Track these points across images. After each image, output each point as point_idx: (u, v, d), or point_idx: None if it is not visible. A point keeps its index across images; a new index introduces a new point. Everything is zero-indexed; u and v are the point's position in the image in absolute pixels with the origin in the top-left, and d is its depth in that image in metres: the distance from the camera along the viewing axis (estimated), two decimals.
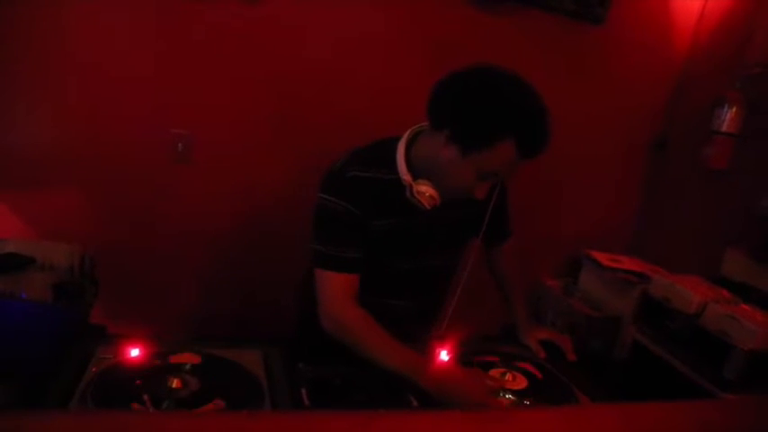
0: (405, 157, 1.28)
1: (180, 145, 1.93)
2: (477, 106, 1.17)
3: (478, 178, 1.22)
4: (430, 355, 1.26)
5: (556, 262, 2.56)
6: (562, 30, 2.21)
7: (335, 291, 1.27)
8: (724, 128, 2.05)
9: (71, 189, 1.88)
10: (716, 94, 2.10)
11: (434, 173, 1.25)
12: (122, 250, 1.91)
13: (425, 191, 1.25)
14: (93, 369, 1.12)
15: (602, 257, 2.35)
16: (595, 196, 2.52)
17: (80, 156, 1.85)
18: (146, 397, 1.05)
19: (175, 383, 1.09)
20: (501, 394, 1.24)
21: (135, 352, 1.17)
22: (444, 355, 1.28)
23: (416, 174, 1.27)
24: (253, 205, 2.08)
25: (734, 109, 2.03)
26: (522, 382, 1.30)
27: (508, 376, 1.30)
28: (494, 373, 1.32)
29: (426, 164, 1.26)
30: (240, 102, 1.97)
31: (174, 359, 1.16)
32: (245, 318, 2.07)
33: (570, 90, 2.25)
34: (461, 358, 1.32)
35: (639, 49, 2.36)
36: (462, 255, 1.51)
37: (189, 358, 1.17)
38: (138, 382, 1.09)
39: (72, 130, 1.84)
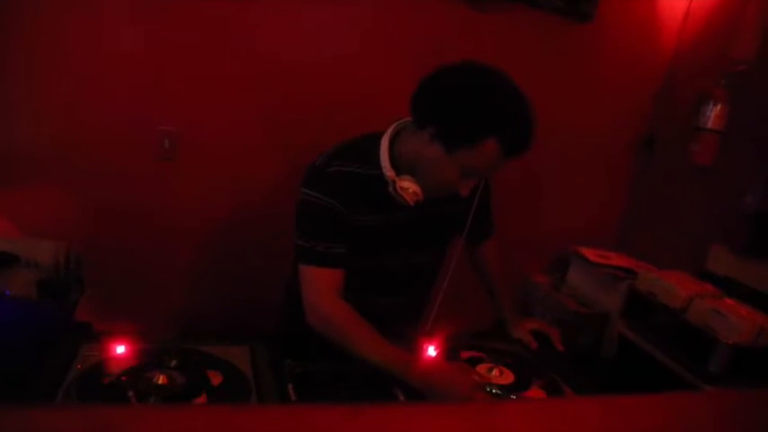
0: (388, 153, 1.28)
1: (166, 141, 1.92)
2: (461, 105, 1.17)
3: (462, 176, 1.22)
4: (416, 350, 1.27)
5: (544, 258, 2.57)
6: (550, 26, 2.21)
7: (320, 286, 1.27)
8: (709, 124, 2.07)
9: (56, 185, 1.87)
10: (702, 91, 2.11)
11: (418, 169, 1.25)
12: (108, 247, 1.90)
13: (408, 186, 1.25)
14: (78, 366, 1.12)
15: (589, 253, 2.36)
16: (583, 193, 2.54)
17: (65, 152, 1.84)
18: (131, 393, 1.04)
19: (161, 379, 1.08)
20: (488, 389, 1.24)
21: (120, 349, 1.16)
22: (431, 351, 1.28)
23: (400, 169, 1.27)
24: (239, 202, 2.07)
25: (719, 106, 2.05)
26: (508, 377, 1.31)
27: (495, 371, 1.31)
28: (481, 368, 1.32)
29: (410, 160, 1.26)
30: (227, 99, 1.96)
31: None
32: (232, 314, 2.06)
33: (558, 87, 2.26)
34: (448, 354, 1.32)
35: (626, 46, 2.37)
36: (447, 251, 1.51)
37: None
38: (123, 378, 1.09)
39: (57, 126, 1.82)
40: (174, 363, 1.13)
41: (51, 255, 1.44)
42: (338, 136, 1.37)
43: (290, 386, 1.16)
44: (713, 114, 2.06)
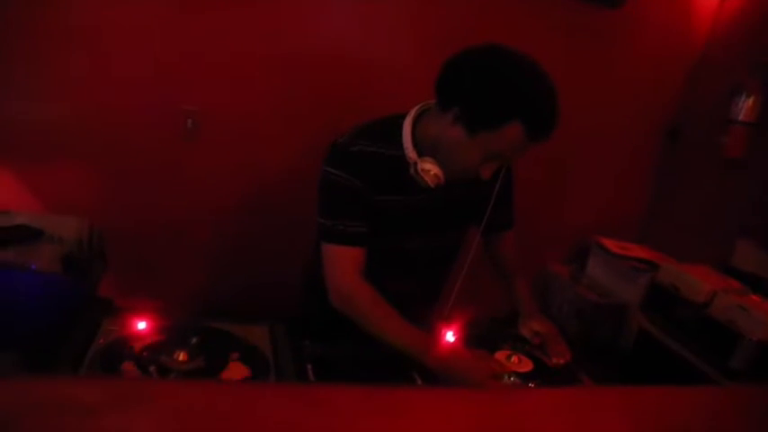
0: (411, 134, 1.27)
1: (189, 121, 1.93)
2: (485, 88, 1.15)
3: (485, 159, 1.21)
4: (436, 335, 1.26)
5: (564, 248, 2.55)
6: (578, 13, 2.17)
7: (342, 264, 1.27)
8: (741, 116, 2.02)
9: (80, 163, 1.89)
10: (731, 82, 2.06)
11: (440, 151, 1.24)
12: (130, 225, 1.92)
13: (430, 169, 1.23)
14: (101, 341, 1.14)
15: (610, 244, 2.33)
16: (606, 183, 2.50)
17: (89, 130, 1.86)
18: (152, 368, 1.06)
19: (182, 356, 1.10)
20: (506, 377, 1.24)
21: (142, 325, 1.18)
22: (450, 336, 1.28)
23: (422, 151, 1.26)
24: (260, 182, 2.08)
25: (752, 97, 2.00)
26: (527, 365, 1.30)
27: (514, 358, 1.30)
28: (499, 355, 1.32)
29: (432, 142, 1.25)
30: (249, 80, 1.96)
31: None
32: (251, 294, 2.08)
33: (584, 74, 2.22)
34: (467, 340, 1.32)
35: (657, 34, 2.32)
36: (466, 236, 1.50)
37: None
38: (144, 354, 1.10)
39: (82, 103, 1.84)
40: (194, 340, 1.14)
41: (75, 231, 1.46)
42: (358, 116, 1.35)
43: (308, 367, 1.17)
44: (745, 106, 2.01)
